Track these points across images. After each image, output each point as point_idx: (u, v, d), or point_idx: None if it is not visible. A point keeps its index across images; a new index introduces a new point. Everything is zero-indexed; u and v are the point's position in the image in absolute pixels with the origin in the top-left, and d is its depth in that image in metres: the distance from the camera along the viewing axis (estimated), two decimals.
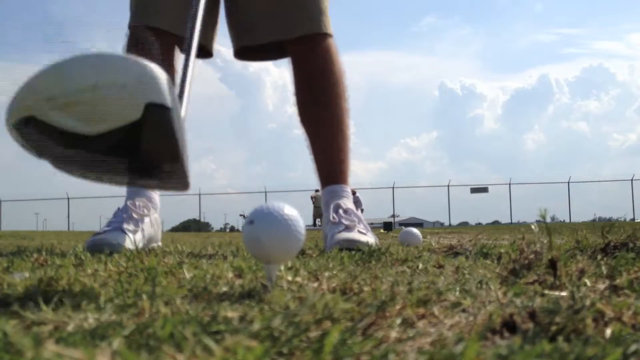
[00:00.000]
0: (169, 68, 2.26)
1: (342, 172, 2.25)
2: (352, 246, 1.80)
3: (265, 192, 27.98)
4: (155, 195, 2.20)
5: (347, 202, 2.16)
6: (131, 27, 2.25)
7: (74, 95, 0.74)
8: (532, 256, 1.04)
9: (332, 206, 2.11)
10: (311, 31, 2.23)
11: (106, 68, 0.76)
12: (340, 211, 2.09)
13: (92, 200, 29.98)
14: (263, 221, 0.87)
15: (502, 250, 1.41)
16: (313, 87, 2.29)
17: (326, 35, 2.25)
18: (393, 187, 28.68)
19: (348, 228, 2.00)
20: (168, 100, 0.79)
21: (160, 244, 2.21)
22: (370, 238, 1.98)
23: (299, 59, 2.29)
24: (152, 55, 2.27)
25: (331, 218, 2.06)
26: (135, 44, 2.22)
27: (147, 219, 2.08)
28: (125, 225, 1.97)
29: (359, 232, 2.00)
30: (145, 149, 0.77)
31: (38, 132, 0.75)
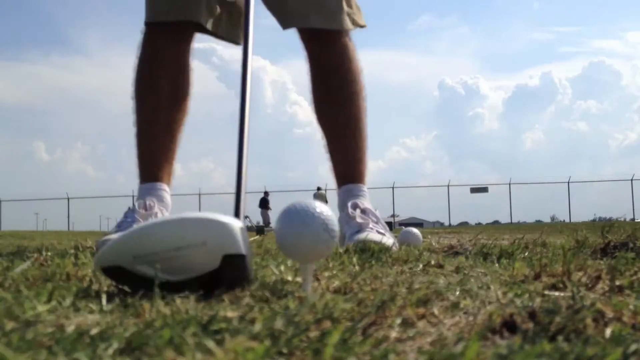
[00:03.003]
0: (185, 65, 2.26)
1: (359, 172, 2.23)
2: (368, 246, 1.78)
3: (265, 192, 27.94)
4: (167, 194, 2.19)
5: (364, 201, 2.13)
6: (148, 24, 2.22)
7: (158, 255, 0.84)
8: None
9: (349, 204, 2.09)
10: (328, 27, 2.17)
11: (188, 231, 0.86)
12: (358, 210, 2.07)
13: (92, 200, 29.99)
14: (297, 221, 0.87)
15: (517, 265, 1.40)
16: (330, 86, 2.25)
17: (343, 32, 2.19)
18: (393, 187, 28.68)
19: (362, 227, 1.98)
20: (243, 249, 0.88)
21: None
22: (388, 239, 1.94)
23: (313, 53, 2.24)
24: (168, 54, 2.24)
25: (350, 216, 2.04)
26: (153, 42, 2.21)
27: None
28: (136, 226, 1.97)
29: (378, 232, 1.99)
30: (222, 284, 0.86)
31: (123, 275, 0.85)
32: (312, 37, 2.22)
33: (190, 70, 2.29)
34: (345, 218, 2.06)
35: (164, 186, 2.19)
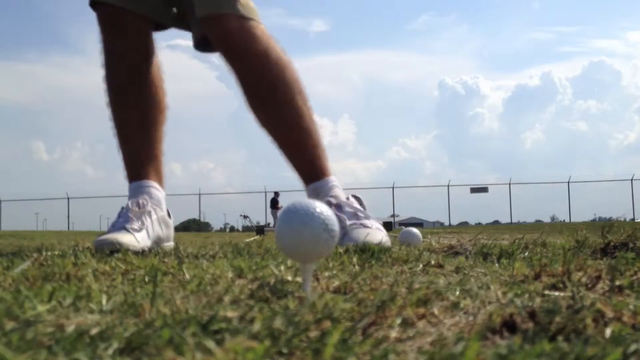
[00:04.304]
0: (148, 58, 2.21)
1: (319, 167, 2.15)
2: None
3: (265, 192, 27.99)
4: (156, 191, 2.17)
5: (336, 193, 2.08)
6: (94, 4, 2.14)
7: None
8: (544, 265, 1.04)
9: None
10: (213, 11, 2.02)
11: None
12: (333, 208, 2.00)
13: (92, 200, 30.04)
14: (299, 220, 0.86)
15: (517, 265, 1.40)
16: (259, 97, 2.15)
17: (240, 19, 2.03)
18: (393, 187, 28.69)
19: (345, 227, 1.96)
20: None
21: (172, 243, 2.18)
22: (376, 233, 1.92)
23: (218, 47, 2.11)
24: (128, 51, 2.24)
25: None
26: (110, 26, 2.16)
27: (151, 217, 2.05)
28: (129, 225, 1.96)
29: (363, 225, 1.97)
30: None
31: None
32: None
33: (156, 63, 2.24)
34: None
35: (152, 183, 2.17)
